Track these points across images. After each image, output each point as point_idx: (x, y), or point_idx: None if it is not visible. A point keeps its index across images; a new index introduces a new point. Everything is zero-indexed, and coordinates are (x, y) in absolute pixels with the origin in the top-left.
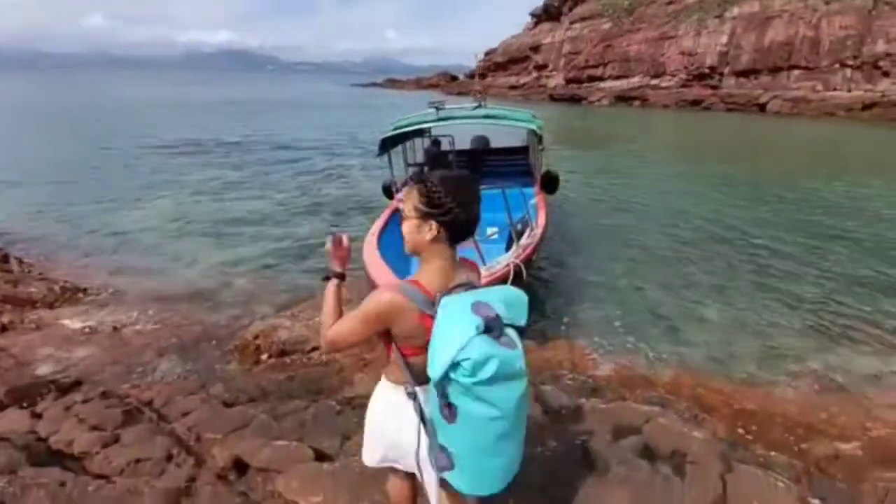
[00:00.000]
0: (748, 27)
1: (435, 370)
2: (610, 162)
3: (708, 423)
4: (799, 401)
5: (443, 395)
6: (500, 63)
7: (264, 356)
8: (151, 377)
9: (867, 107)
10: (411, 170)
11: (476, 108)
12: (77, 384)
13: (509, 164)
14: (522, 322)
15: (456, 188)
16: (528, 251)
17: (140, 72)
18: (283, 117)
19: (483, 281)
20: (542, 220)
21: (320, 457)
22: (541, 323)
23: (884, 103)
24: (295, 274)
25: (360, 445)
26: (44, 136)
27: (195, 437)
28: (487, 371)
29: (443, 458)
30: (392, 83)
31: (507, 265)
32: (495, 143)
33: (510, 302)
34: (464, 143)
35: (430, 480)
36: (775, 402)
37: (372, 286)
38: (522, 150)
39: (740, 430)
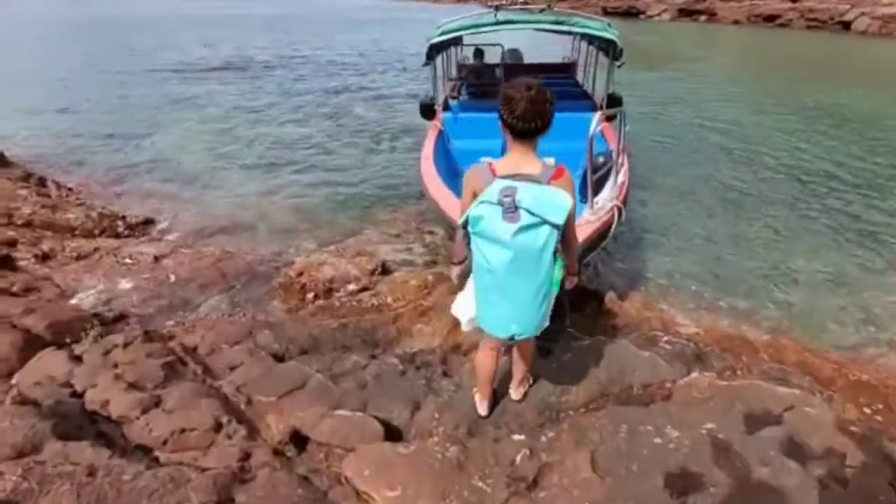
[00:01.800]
0: None
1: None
2: (673, 85)
3: (836, 404)
4: None
5: (467, 239)
6: None
7: (310, 295)
8: (195, 314)
9: None
10: (450, 85)
11: (542, 11)
12: (120, 318)
13: (559, 84)
14: (552, 219)
15: (511, 100)
16: (625, 190)
17: None
18: (312, 35)
19: (592, 227)
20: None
21: (389, 431)
22: (611, 276)
23: None
24: (336, 205)
25: (432, 418)
26: (62, 57)
27: (245, 399)
28: (477, 226)
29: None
30: None
31: (612, 208)
32: (528, 59)
33: (540, 199)
34: (493, 58)
35: None
36: (890, 374)
37: (435, 206)
38: (568, 67)
39: (867, 410)
